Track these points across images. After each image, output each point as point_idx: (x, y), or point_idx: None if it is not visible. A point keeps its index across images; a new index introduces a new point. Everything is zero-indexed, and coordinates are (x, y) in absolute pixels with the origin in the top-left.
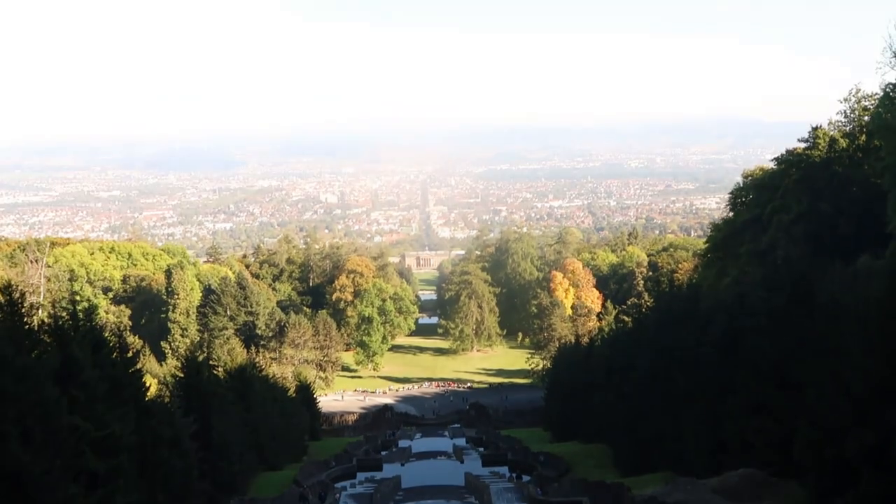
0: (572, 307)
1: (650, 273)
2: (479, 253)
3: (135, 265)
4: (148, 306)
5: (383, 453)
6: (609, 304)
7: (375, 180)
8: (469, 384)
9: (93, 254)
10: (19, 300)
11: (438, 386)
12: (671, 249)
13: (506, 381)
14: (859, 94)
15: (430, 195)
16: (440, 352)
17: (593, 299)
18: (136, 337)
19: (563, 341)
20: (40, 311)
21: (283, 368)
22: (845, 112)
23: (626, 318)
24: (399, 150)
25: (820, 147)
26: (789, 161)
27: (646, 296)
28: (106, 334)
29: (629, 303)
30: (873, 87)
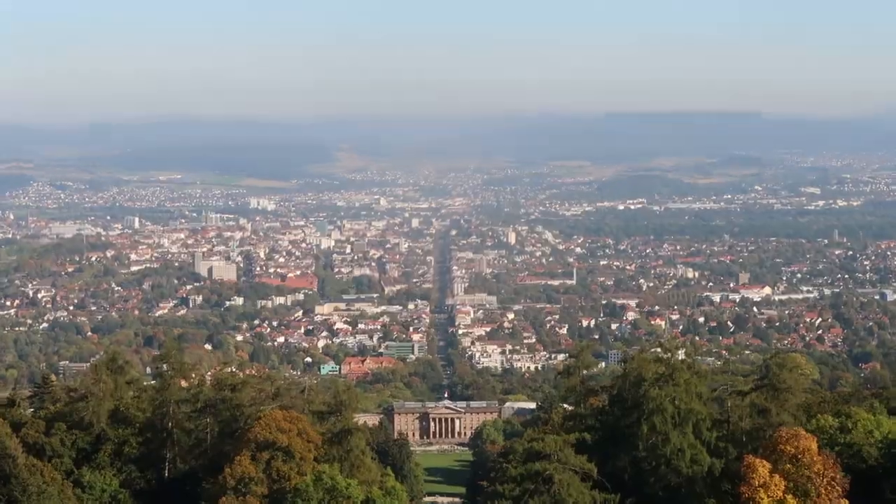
0: None
1: None
2: (570, 408)
3: None
4: None
5: None
6: None
7: (328, 229)
8: None
9: None
10: None
11: None
12: None
13: None
14: None
15: (457, 267)
16: None
17: None
18: None
19: None
20: None
21: None
22: None
23: None
24: (388, 164)
25: None
26: None
27: None
28: None
29: None
30: None
